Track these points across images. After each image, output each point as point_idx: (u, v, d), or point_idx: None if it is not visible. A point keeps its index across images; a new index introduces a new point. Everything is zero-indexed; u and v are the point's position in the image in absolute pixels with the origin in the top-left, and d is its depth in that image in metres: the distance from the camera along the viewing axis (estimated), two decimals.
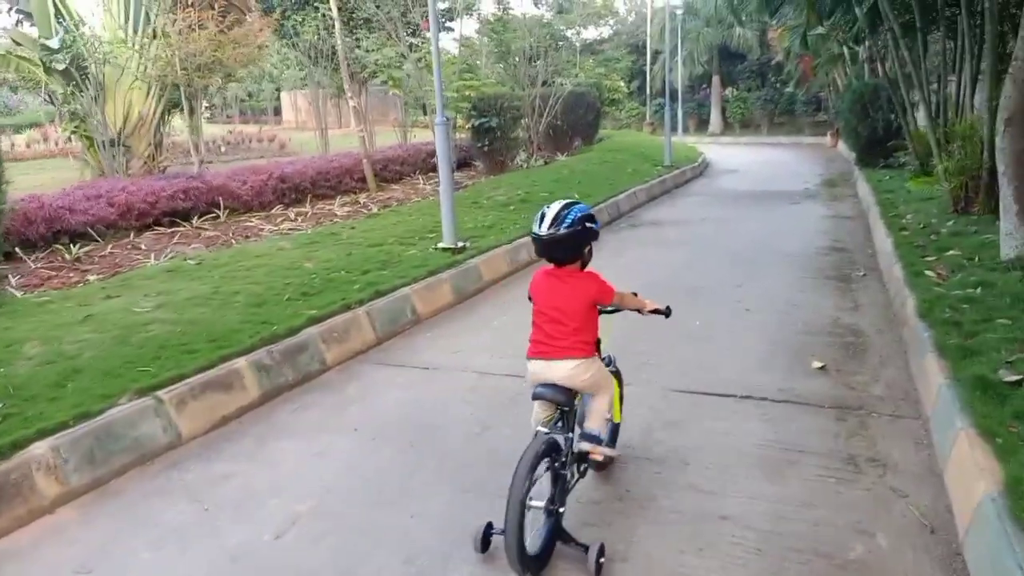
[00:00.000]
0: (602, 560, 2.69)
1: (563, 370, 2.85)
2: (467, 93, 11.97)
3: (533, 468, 2.58)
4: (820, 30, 17.33)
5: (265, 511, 3.19)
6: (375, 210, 10.17)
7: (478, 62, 17.04)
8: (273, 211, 9.95)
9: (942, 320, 4.53)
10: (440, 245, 7.36)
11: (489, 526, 2.76)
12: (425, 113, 11.59)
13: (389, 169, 12.60)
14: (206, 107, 42.47)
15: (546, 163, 15.12)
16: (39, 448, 3.32)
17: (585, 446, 2.97)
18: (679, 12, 25.54)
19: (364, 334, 5.35)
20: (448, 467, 3.54)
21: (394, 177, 12.75)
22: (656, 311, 3.18)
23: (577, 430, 3.01)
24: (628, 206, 11.85)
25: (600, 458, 3.01)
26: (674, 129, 28.17)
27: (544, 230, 2.78)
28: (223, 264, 6.70)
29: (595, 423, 3.01)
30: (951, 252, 6.29)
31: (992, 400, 3.36)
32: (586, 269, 2.95)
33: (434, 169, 12.42)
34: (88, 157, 12.34)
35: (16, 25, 16.63)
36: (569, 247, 2.83)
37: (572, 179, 12.60)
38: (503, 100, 13.13)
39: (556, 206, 2.83)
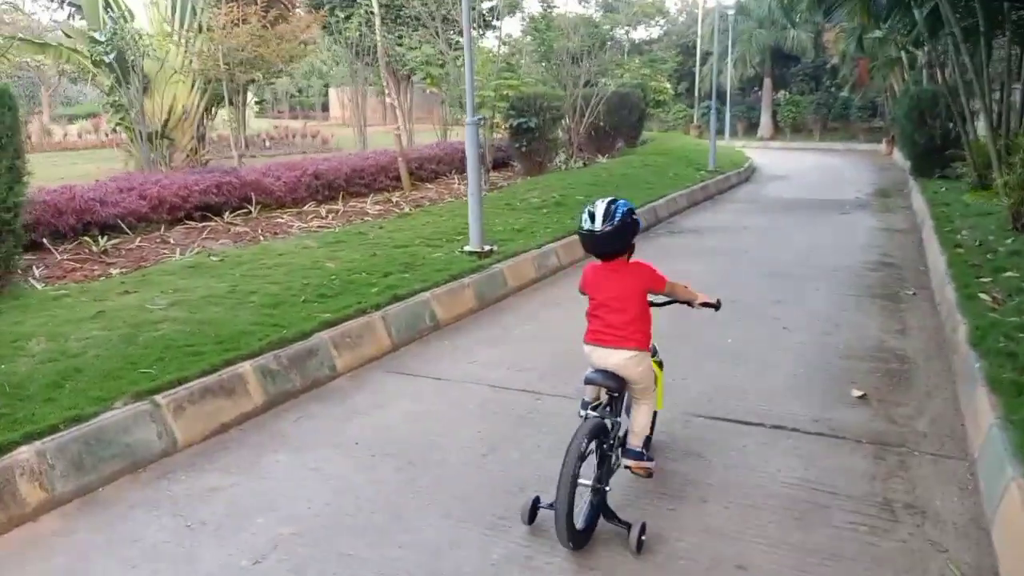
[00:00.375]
0: (643, 538, 2.81)
1: (619, 358, 2.98)
2: (505, 92, 11.74)
3: (584, 448, 2.73)
4: (877, 33, 16.69)
5: (247, 532, 3.02)
6: (407, 209, 10.03)
7: (520, 61, 16.85)
8: (305, 208, 9.87)
9: (996, 350, 4.14)
10: (466, 248, 7.16)
11: (537, 500, 2.95)
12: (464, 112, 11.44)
13: (425, 168, 12.45)
14: (256, 102, 43.36)
15: (585, 165, 14.82)
16: (24, 453, 3.21)
17: (628, 462, 3.13)
18: (731, 12, 24.85)
19: (379, 340, 5.18)
20: (446, 493, 3.32)
21: (430, 176, 12.61)
22: (707, 304, 3.27)
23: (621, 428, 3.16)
24: (667, 212, 11.49)
25: (643, 473, 3.17)
26: (721, 132, 27.60)
27: (599, 226, 2.91)
28: (245, 262, 6.61)
29: (636, 441, 3.13)
30: (1008, 274, 5.83)
31: None
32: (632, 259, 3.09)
33: None
34: (132, 149, 12.51)
35: (68, 18, 17.07)
36: (620, 240, 2.97)
37: (610, 182, 12.29)
38: (542, 100, 12.87)
39: (602, 204, 2.95)
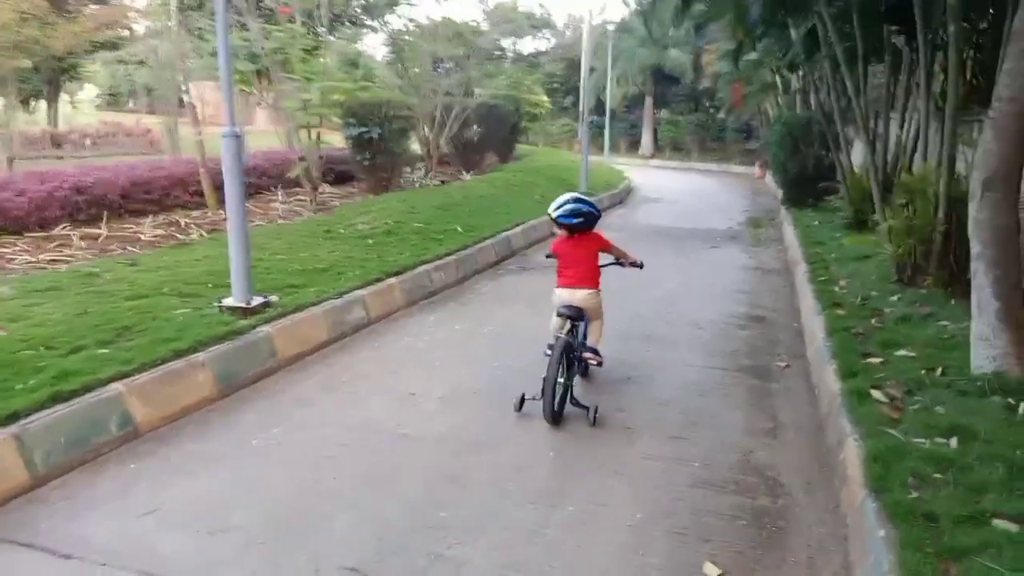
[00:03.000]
0: (597, 415, 4.22)
1: (582, 295, 4.46)
2: (336, 97, 9.94)
3: (561, 358, 4.12)
4: (752, 55, 16.11)
5: None
6: (195, 236, 8.06)
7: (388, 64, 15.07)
8: (55, 231, 7.70)
9: (906, 507, 2.82)
10: (226, 302, 5.34)
11: (523, 395, 4.30)
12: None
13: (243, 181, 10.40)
14: (110, 94, 39.10)
15: (443, 183, 13.22)
16: None
17: (588, 355, 4.51)
18: (610, 27, 24.12)
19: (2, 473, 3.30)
20: None
21: (248, 191, 10.57)
22: (633, 264, 4.87)
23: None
24: (524, 241, 10.06)
25: (594, 363, 4.56)
26: (599, 150, 26.95)
27: (573, 220, 4.48)
28: None
29: (593, 341, 4.62)
30: (901, 352, 4.67)
31: None
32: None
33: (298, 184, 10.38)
34: None
35: None
36: (584, 225, 4.52)
37: (463, 206, 10.73)
38: (388, 108, 11.17)
39: (571, 204, 4.49)
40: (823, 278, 7.07)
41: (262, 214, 9.57)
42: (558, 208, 4.49)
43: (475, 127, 15.62)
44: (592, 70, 33.68)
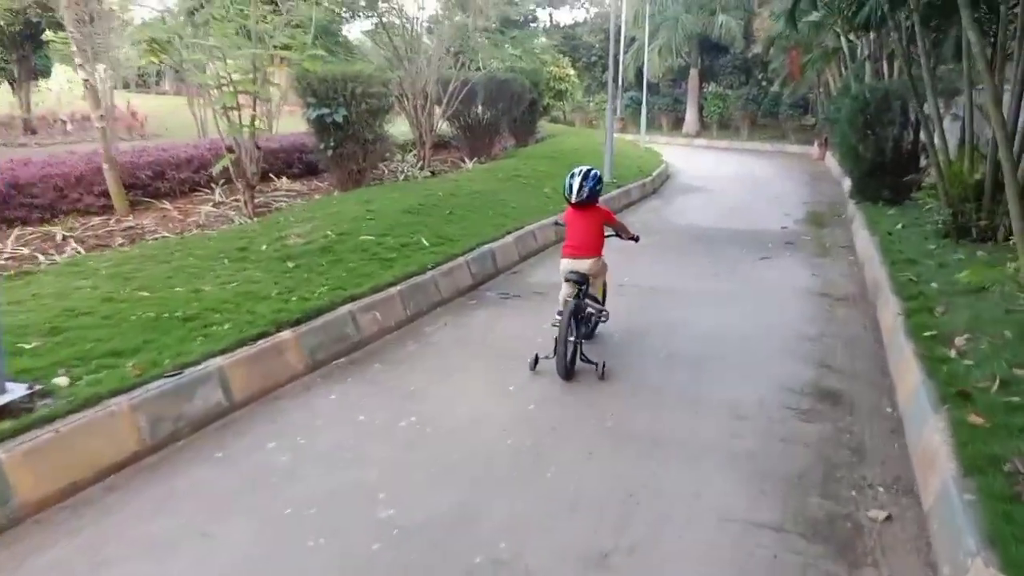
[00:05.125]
0: (605, 370, 4.58)
1: (585, 264, 4.80)
2: (271, 69, 7.77)
3: (571, 319, 4.50)
4: (813, 16, 13.48)
5: None
6: (57, 259, 6.08)
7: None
8: None
9: None
10: None
11: (537, 355, 4.69)
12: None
13: (168, 177, 8.43)
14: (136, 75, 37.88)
15: (434, 174, 11.07)
16: None
17: (589, 303, 4.83)
18: None
19: None
20: None
21: (175, 189, 8.54)
22: (631, 238, 5.27)
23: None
24: (516, 254, 7.86)
25: (602, 318, 5.04)
26: (641, 126, 24.40)
27: (576, 196, 4.80)
28: None
29: (595, 291, 4.98)
30: None
31: None
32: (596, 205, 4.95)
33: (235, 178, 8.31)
34: None
35: None
36: (589, 200, 4.84)
37: (444, 206, 8.56)
38: (355, 84, 9.04)
39: (578, 180, 4.79)
40: (928, 332, 4.71)
41: (180, 220, 7.57)
42: (568, 185, 4.84)
43: (480, 106, 13.41)
44: (633, 40, 31.19)
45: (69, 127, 17.02)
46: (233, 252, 6.19)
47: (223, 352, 4.20)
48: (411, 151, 11.65)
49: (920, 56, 8.12)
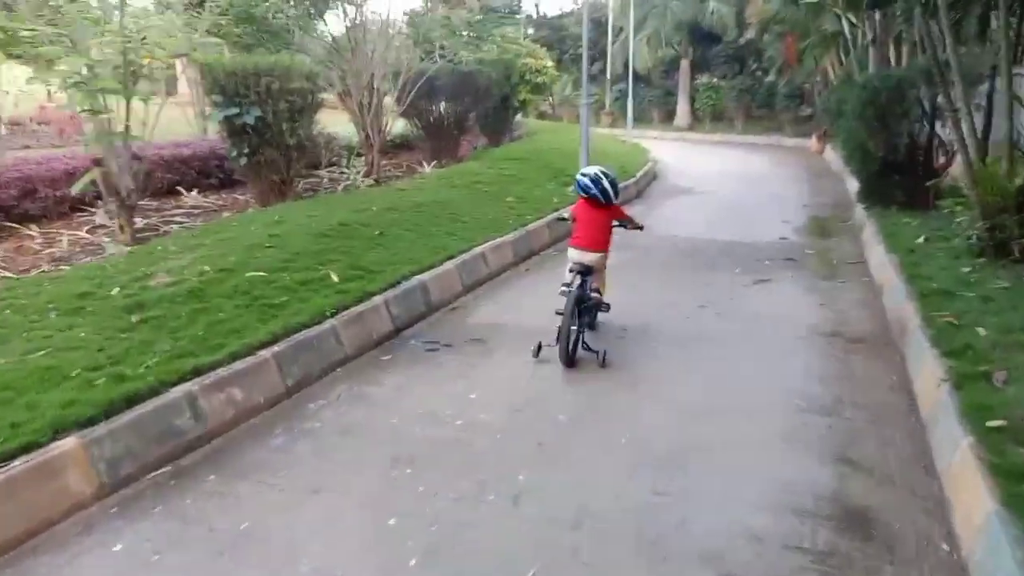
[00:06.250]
0: (606, 358, 4.70)
1: (592, 257, 4.94)
2: (145, 58, 6.19)
3: (575, 307, 4.62)
4: None
5: None
6: None
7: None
8: None
9: None
10: None
11: (540, 343, 4.78)
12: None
13: (41, 196, 6.88)
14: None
15: (378, 182, 9.60)
16: None
17: (591, 292, 4.89)
18: None
19: None
20: None
21: (46, 212, 6.99)
22: (635, 227, 5.41)
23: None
24: (460, 283, 6.44)
25: (603, 307, 5.07)
26: (628, 120, 22.96)
27: (615, 197, 5.08)
28: None
29: (597, 284, 5.00)
30: None
31: None
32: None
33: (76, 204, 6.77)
34: None
35: None
36: (605, 199, 5.03)
37: (375, 224, 7.08)
38: (272, 79, 7.57)
39: (596, 178, 5.01)
40: (992, 420, 3.30)
41: (35, 254, 6.11)
42: (599, 190, 5.03)
43: (444, 102, 11.97)
44: (621, 29, 29.70)
45: (41, 128, 15.40)
46: (69, 300, 4.75)
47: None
48: (361, 155, 10.20)
49: (945, 35, 6.70)
